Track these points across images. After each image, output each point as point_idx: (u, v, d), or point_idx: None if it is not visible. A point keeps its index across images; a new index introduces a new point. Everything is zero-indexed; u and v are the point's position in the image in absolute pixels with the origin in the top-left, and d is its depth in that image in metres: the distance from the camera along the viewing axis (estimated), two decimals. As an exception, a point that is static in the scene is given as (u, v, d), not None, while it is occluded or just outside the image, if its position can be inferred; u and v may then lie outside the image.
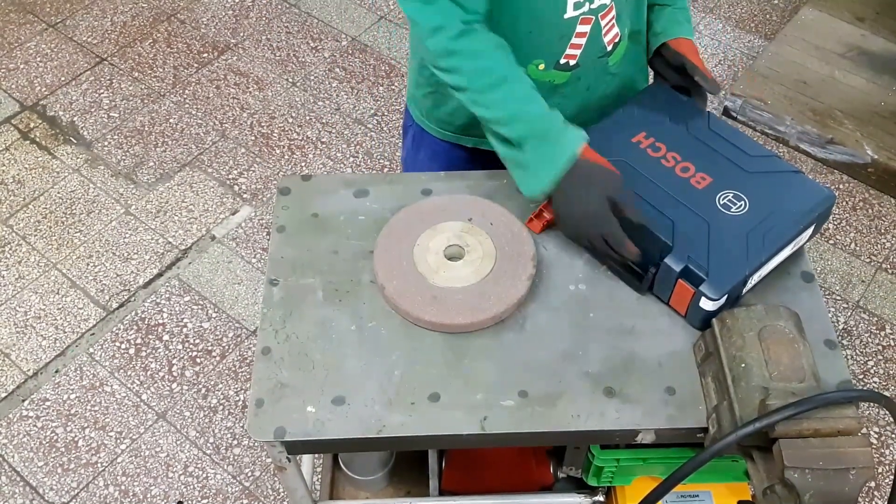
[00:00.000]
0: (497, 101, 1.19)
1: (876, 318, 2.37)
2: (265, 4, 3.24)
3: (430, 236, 1.26)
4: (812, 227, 1.22)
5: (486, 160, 1.45)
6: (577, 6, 1.24)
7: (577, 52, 1.30)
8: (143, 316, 2.36)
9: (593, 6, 1.25)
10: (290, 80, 2.98)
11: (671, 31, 1.36)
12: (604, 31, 1.29)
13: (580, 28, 1.26)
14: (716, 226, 1.18)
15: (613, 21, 1.29)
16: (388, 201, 1.34)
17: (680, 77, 1.35)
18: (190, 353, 2.29)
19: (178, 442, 2.13)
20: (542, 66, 1.30)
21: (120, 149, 2.76)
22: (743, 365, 1.04)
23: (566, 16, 1.24)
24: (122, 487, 2.06)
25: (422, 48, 1.23)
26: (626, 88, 1.42)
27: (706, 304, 1.13)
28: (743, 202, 1.20)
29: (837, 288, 2.44)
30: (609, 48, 1.33)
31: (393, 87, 2.96)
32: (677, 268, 1.14)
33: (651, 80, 1.45)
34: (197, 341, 2.31)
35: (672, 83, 1.37)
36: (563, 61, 1.30)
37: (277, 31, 3.15)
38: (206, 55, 3.06)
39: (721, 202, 1.21)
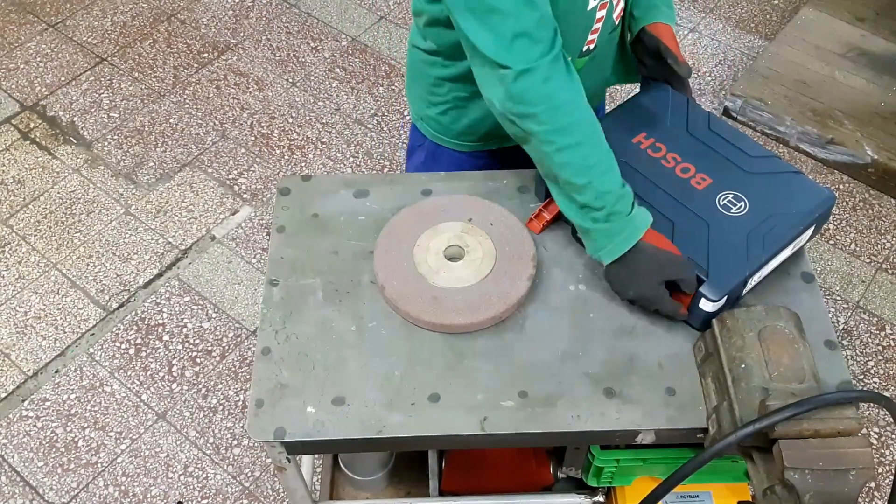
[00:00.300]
0: (571, 164, 1.13)
1: (876, 319, 2.37)
2: (265, 4, 3.24)
3: (430, 237, 1.26)
4: (812, 228, 1.22)
5: (506, 157, 1.44)
6: None
7: (596, 36, 1.31)
8: (143, 316, 2.36)
9: None
10: (290, 80, 2.98)
11: (648, 16, 1.37)
12: (614, 9, 1.31)
13: (598, 14, 1.27)
14: (716, 227, 1.18)
15: None
16: (388, 201, 1.34)
17: (657, 63, 1.36)
18: (190, 354, 2.29)
19: (178, 442, 2.13)
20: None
21: (120, 149, 2.76)
22: (743, 366, 1.04)
23: (588, 7, 1.24)
24: (122, 488, 2.06)
25: (499, 91, 1.13)
26: (621, 50, 1.44)
27: (706, 305, 1.13)
28: (743, 203, 1.20)
29: (837, 288, 2.44)
30: (617, 23, 1.34)
31: (393, 88, 2.96)
32: (677, 268, 1.14)
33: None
34: (197, 341, 2.31)
35: (649, 68, 1.39)
36: (584, 49, 1.31)
37: (277, 31, 3.15)
38: (206, 55, 3.06)
39: (721, 203, 1.21)
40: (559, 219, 1.26)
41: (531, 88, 1.11)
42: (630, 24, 1.40)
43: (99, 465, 2.10)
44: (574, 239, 1.27)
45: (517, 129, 1.15)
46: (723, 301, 1.13)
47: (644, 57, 1.39)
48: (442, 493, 1.47)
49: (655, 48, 1.34)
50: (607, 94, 1.66)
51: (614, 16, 1.32)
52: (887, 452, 2.12)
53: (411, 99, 1.49)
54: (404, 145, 2.75)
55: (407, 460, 1.54)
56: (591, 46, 1.32)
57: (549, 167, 1.15)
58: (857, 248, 2.53)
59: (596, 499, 1.40)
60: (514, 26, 1.08)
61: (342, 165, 2.73)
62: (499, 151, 1.46)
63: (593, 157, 1.14)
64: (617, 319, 1.20)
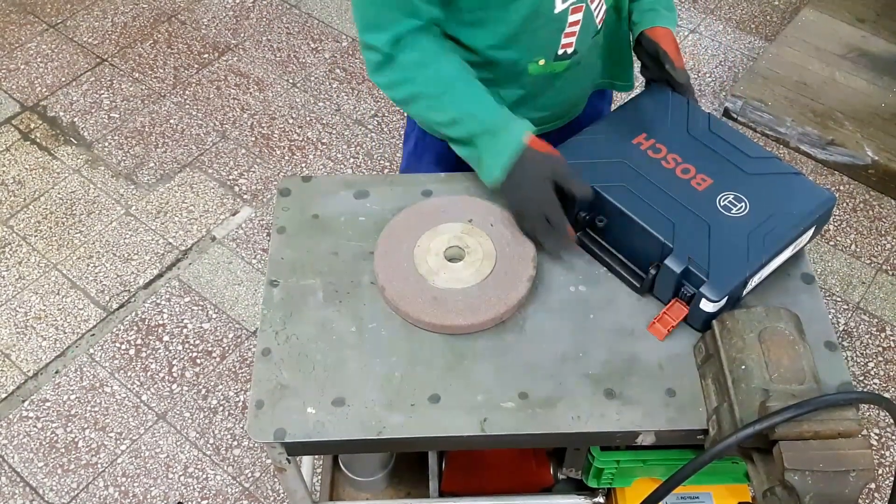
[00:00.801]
0: (448, 103, 1.24)
1: (876, 320, 2.37)
2: (266, 5, 3.24)
3: (430, 237, 1.26)
4: (812, 229, 1.22)
5: None
6: None
7: (573, 39, 1.31)
8: (143, 317, 2.36)
9: None
10: (291, 80, 2.98)
11: (647, 20, 1.38)
12: (595, 13, 1.30)
13: (572, 18, 1.27)
14: (716, 227, 1.18)
15: (602, 1, 1.30)
16: (388, 202, 1.34)
17: (656, 67, 1.36)
18: (190, 354, 2.29)
19: (178, 443, 2.13)
20: (542, 62, 1.30)
21: (120, 149, 2.76)
22: (743, 367, 1.04)
23: (556, 10, 1.25)
24: (122, 488, 2.06)
25: (375, 74, 1.28)
26: (610, 50, 1.44)
27: (707, 306, 1.13)
28: (743, 204, 1.20)
29: (838, 289, 2.43)
30: (599, 26, 1.34)
31: (393, 88, 2.95)
32: (678, 269, 1.14)
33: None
34: (197, 342, 2.31)
35: (651, 72, 1.39)
36: (560, 52, 1.31)
37: (278, 31, 3.15)
38: (206, 56, 3.06)
39: (721, 204, 1.21)
40: (559, 219, 1.26)
41: (389, 69, 1.24)
42: (631, 28, 1.40)
43: (99, 465, 2.10)
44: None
45: (397, 100, 1.29)
46: (723, 302, 1.13)
47: (645, 60, 1.39)
48: (442, 493, 1.46)
49: (654, 53, 1.34)
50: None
51: (596, 20, 1.31)
52: (887, 454, 2.12)
53: None
54: (404, 146, 2.75)
55: (407, 461, 1.54)
56: (570, 50, 1.31)
57: (435, 121, 1.26)
58: (858, 250, 2.53)
59: (596, 500, 1.40)
60: (370, 13, 1.21)
61: (342, 166, 2.73)
62: None
63: (464, 91, 1.24)
64: (617, 321, 1.20)
